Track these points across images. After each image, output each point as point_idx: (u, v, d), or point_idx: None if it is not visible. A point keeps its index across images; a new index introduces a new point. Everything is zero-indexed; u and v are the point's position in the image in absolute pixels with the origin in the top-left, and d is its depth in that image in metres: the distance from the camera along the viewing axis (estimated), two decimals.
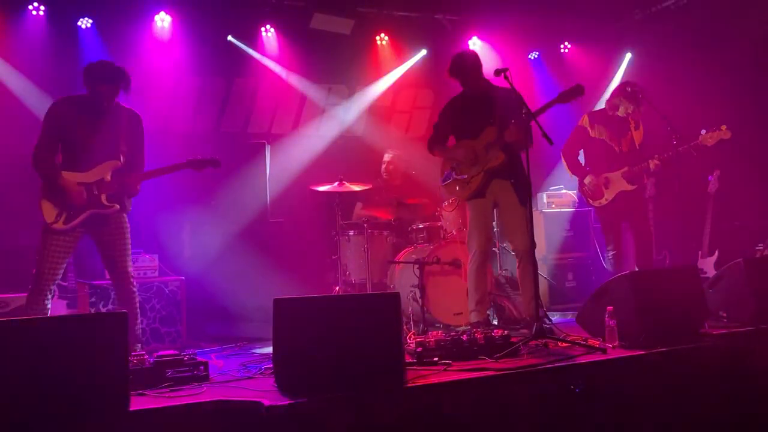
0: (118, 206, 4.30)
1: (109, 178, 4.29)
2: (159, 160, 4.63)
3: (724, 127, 5.23)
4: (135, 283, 4.42)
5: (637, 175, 5.54)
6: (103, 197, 4.26)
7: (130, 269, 4.39)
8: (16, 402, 2.74)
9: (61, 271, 4.26)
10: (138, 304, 4.44)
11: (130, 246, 4.40)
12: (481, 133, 4.76)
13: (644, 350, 3.72)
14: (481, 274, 4.83)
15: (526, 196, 4.42)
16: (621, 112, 5.58)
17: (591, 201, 5.76)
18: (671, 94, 6.40)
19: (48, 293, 4.19)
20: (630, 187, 5.54)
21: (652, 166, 5.42)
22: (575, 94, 4.27)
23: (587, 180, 5.64)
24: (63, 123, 4.26)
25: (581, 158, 5.86)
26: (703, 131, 5.29)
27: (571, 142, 5.79)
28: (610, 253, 5.71)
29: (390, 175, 6.77)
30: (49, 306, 4.22)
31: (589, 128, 5.67)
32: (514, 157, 4.65)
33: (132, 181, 4.34)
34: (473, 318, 4.77)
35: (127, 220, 4.40)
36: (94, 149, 4.27)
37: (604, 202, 5.63)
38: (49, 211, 4.18)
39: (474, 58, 4.85)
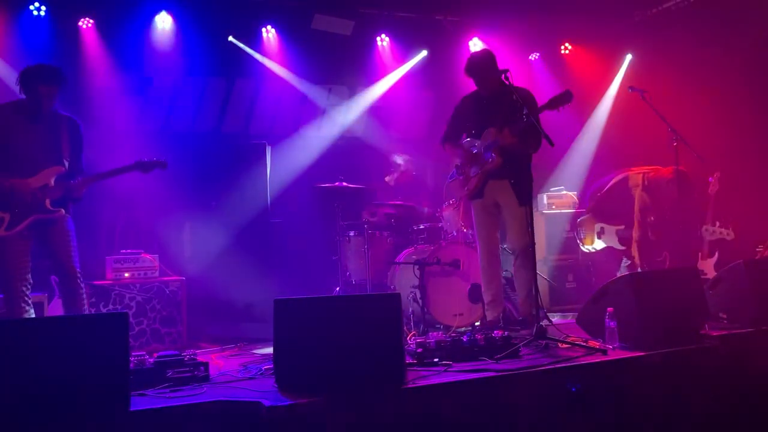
0: (63, 211, 4.27)
1: (52, 183, 4.25)
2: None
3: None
4: (82, 283, 4.35)
5: (626, 239, 5.63)
6: (47, 202, 4.22)
7: (78, 267, 4.31)
8: (16, 402, 2.74)
9: (27, 274, 4.22)
10: (86, 305, 4.37)
11: (76, 246, 4.33)
12: (482, 134, 4.76)
13: (644, 351, 3.72)
14: (489, 274, 4.84)
15: (524, 197, 4.41)
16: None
17: (580, 244, 5.92)
18: (671, 95, 6.39)
19: (25, 297, 4.17)
20: (620, 247, 5.65)
21: (637, 234, 5.66)
22: (564, 100, 4.23)
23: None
24: (2, 128, 4.21)
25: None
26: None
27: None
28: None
29: (399, 180, 6.76)
30: (30, 310, 4.21)
31: (642, 192, 5.78)
32: (514, 159, 4.56)
33: (76, 185, 4.30)
34: (487, 316, 4.86)
35: (71, 222, 4.36)
36: (36, 154, 4.23)
37: (592, 249, 5.76)
38: None
39: (486, 58, 4.75)
